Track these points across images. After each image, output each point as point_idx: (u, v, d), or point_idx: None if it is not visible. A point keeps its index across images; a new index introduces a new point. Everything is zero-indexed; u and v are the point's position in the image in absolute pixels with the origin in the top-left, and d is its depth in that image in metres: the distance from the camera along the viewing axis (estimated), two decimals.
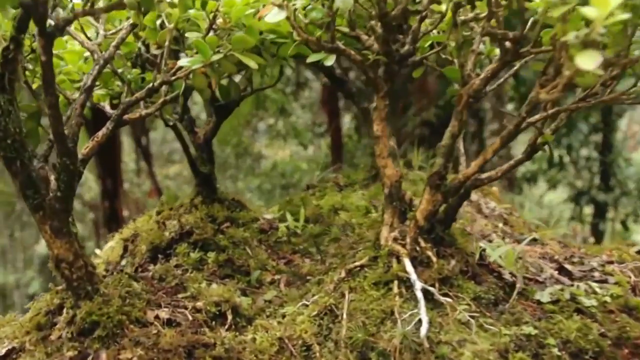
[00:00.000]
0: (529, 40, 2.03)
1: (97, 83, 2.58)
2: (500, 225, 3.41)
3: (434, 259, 2.18)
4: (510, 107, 11.06)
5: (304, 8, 2.08)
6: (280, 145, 17.34)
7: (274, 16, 1.75)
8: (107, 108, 2.68)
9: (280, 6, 1.76)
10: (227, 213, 3.21)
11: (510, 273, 2.58)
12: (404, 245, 2.19)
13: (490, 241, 3.12)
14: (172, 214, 3.24)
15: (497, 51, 2.39)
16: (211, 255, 2.87)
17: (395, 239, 2.21)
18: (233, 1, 2.19)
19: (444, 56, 2.60)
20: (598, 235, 11.68)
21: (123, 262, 3.11)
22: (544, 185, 13.32)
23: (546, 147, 2.29)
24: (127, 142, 14.31)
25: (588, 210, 13.06)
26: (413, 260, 2.16)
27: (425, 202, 2.20)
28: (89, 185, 14.13)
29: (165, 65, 2.24)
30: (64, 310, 2.07)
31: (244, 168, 15.93)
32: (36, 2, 1.56)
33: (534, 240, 3.31)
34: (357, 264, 2.24)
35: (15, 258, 16.81)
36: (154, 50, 2.76)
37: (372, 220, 3.23)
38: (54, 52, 2.47)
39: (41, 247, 15.24)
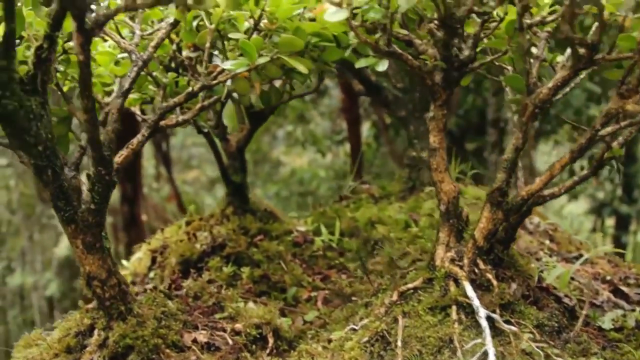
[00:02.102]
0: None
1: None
2: (547, 242, 3.23)
3: (495, 282, 2.00)
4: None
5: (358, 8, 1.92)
6: (298, 153, 17.26)
7: (332, 15, 1.58)
8: (138, 113, 2.55)
9: (339, 4, 1.60)
10: (259, 225, 3.07)
11: (566, 295, 2.40)
12: (461, 267, 2.02)
13: (538, 259, 2.95)
14: (202, 224, 3.10)
15: (560, 58, 2.23)
16: (245, 270, 2.73)
17: (452, 260, 2.04)
18: (279, 0, 2.04)
19: (497, 63, 2.44)
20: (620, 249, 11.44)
21: (151, 275, 2.97)
22: (564, 197, 13.11)
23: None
24: (146, 147, 14.24)
25: (610, 222, 12.84)
26: (472, 283, 1.99)
27: (485, 220, 2.03)
28: None
29: (205, 68, 2.09)
30: (95, 332, 1.91)
31: (262, 175, 15.87)
32: None
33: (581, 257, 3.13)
34: (410, 286, 2.06)
35: (34, 260, 16.76)
36: (188, 53, 2.61)
37: (412, 235, 3.06)
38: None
39: (60, 250, 15.21)
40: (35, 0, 2.01)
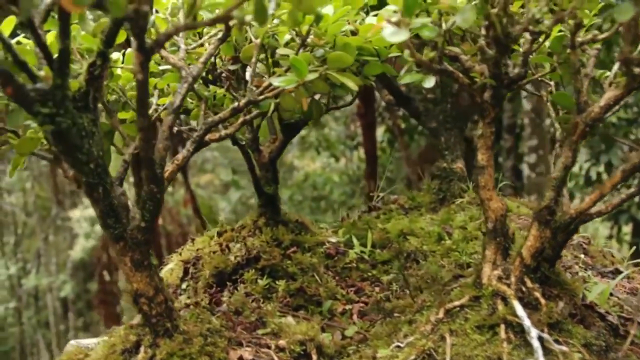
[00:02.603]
0: None
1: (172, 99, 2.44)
2: (582, 256, 3.20)
3: (542, 301, 1.99)
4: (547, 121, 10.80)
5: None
6: (312, 157, 17.27)
7: (392, 36, 1.56)
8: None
9: (397, 24, 1.58)
10: (292, 236, 3.05)
11: (608, 312, 2.38)
12: (509, 285, 2.00)
13: (573, 274, 2.93)
14: (234, 235, 3.09)
15: (607, 73, 2.21)
16: (281, 283, 2.72)
17: (499, 278, 2.02)
18: (327, 16, 2.03)
19: (540, 79, 2.42)
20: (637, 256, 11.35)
21: (183, 286, 2.96)
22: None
23: None
24: None
25: (626, 229, 12.76)
26: (519, 301, 1.97)
27: (533, 238, 2.02)
28: None
29: (251, 83, 2.08)
30: (142, 349, 1.90)
31: None
32: (137, 15, 1.39)
33: (618, 272, 3.10)
34: (456, 303, 2.05)
35: (49, 261, 16.88)
36: (228, 66, 2.61)
37: (445, 248, 3.04)
38: (122, 66, 2.35)
39: (74, 252, 15.31)
40: (82, 15, 2.01)
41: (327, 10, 2.06)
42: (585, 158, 11.34)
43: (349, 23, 2.30)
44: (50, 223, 16.36)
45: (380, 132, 14.10)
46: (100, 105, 2.11)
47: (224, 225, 3.27)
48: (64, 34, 1.53)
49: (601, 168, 11.24)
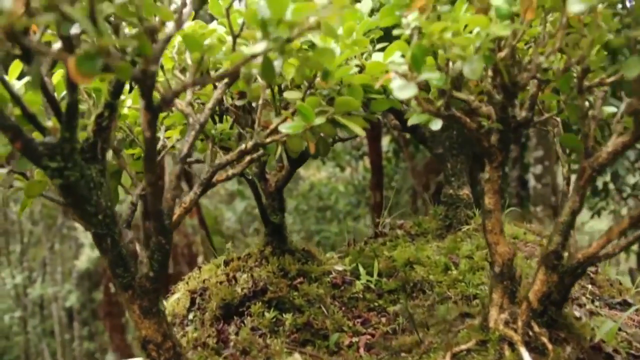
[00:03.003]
0: None
1: (178, 137, 2.45)
2: (589, 286, 3.19)
3: (549, 346, 1.98)
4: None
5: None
6: (317, 167, 17.26)
7: (401, 91, 1.56)
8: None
9: (405, 76, 1.58)
10: (299, 266, 3.06)
11: (616, 350, 2.37)
12: (515, 330, 2.00)
13: (580, 305, 2.92)
14: (241, 265, 3.09)
15: (615, 110, 2.21)
16: (287, 316, 2.71)
17: (506, 322, 2.02)
18: (333, 59, 2.03)
19: (545, 115, 2.42)
20: None
21: (190, 316, 2.97)
22: (586, 213, 13.00)
23: None
24: (168, 161, 14.28)
25: None
26: (526, 346, 1.97)
27: (540, 282, 2.01)
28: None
29: (258, 125, 2.08)
30: None
31: None
32: (145, 75, 1.40)
33: (626, 304, 3.09)
34: (463, 347, 2.05)
35: (54, 271, 16.92)
36: (235, 101, 2.61)
37: (452, 278, 3.04)
38: (129, 106, 2.36)
39: (80, 262, 15.34)
40: (122, 73, 2.02)
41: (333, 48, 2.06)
42: None
43: (355, 57, 2.31)
44: (56, 232, 16.42)
45: (385, 142, 14.10)
46: None
47: (231, 253, 3.28)
48: (72, 89, 1.53)
49: (607, 178, 11.22)
